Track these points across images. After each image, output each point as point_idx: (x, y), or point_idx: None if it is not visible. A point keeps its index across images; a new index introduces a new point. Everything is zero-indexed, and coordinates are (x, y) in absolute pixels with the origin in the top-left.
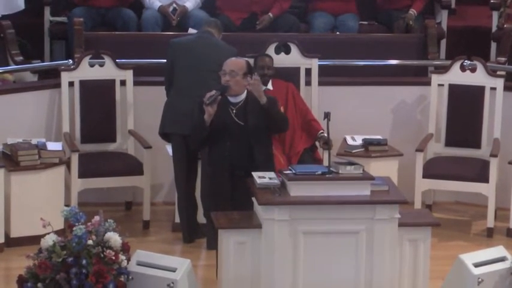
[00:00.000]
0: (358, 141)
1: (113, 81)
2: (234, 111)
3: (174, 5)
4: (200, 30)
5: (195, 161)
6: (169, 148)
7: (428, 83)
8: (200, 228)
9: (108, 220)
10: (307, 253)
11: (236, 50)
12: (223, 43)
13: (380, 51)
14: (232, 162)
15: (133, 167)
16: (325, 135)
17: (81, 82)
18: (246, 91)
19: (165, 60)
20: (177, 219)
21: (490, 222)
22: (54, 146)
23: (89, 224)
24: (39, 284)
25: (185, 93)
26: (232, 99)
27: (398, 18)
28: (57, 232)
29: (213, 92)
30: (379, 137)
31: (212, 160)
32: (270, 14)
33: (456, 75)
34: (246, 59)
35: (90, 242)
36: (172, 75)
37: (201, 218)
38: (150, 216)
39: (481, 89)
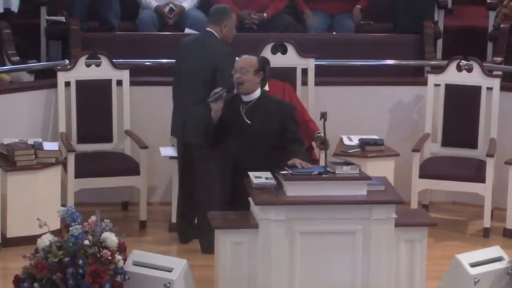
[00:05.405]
0: (355, 141)
1: (110, 81)
2: (244, 109)
3: (171, 5)
4: (203, 29)
5: (191, 164)
6: (162, 149)
7: (424, 83)
8: (195, 229)
9: (105, 220)
10: (303, 253)
11: (232, 50)
12: (219, 46)
13: (376, 51)
14: (236, 162)
15: (130, 167)
16: (322, 135)
17: (78, 82)
18: (260, 90)
19: (161, 60)
20: (174, 219)
21: (487, 222)
22: (50, 146)
23: (85, 224)
24: (36, 284)
25: (177, 96)
26: (245, 98)
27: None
28: (53, 232)
29: (218, 89)
30: (375, 137)
31: (217, 157)
32: (264, 14)
33: (453, 75)
34: (261, 55)
35: (86, 242)
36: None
37: None
38: (146, 216)
39: (478, 89)
